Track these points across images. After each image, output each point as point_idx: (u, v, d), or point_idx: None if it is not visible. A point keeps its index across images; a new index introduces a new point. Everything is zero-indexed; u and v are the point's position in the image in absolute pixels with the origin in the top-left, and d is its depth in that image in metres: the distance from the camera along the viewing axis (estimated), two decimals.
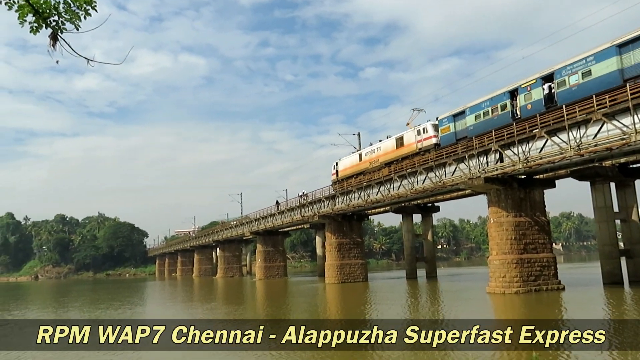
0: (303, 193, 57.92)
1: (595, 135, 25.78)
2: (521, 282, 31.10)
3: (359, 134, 58.61)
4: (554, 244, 49.96)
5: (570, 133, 26.58)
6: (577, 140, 26.33)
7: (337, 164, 54.03)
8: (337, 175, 53.25)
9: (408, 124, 44.61)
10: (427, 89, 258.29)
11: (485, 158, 32.59)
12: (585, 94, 26.38)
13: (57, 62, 6.33)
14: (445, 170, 35.82)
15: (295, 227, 73.90)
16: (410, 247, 55.66)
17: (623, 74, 25.10)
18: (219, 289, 59.70)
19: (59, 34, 6.21)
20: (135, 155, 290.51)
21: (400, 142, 43.05)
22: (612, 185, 35.41)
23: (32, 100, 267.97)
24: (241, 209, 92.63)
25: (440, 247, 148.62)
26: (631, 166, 35.22)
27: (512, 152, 30.26)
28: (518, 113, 30.93)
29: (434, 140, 38.90)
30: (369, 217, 64.83)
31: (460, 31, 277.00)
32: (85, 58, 6.47)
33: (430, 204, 54.19)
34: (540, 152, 28.78)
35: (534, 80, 29.65)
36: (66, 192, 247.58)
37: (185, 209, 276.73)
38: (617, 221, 36.18)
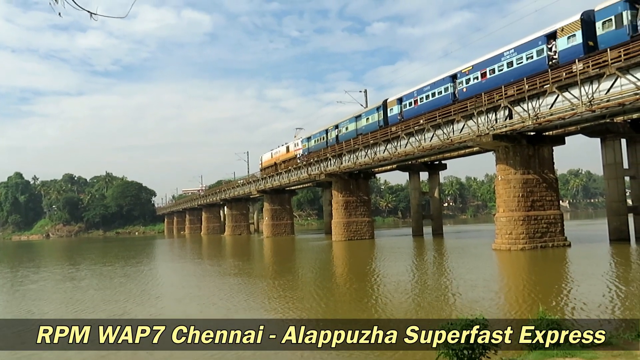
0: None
1: (608, 91, 25.21)
2: (527, 239, 31.25)
3: (365, 91, 58.66)
4: (561, 201, 50.40)
5: (582, 88, 25.99)
6: (589, 96, 25.75)
7: (262, 157, 78.77)
8: (262, 165, 77.59)
9: (295, 135, 70.01)
10: (437, 44, 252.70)
11: (494, 115, 32.10)
12: (348, 137, 49.97)
13: (59, 14, 6.17)
14: (453, 128, 35.39)
15: (302, 186, 74.32)
16: (417, 205, 55.92)
17: (357, 131, 49.16)
18: (228, 246, 60.63)
19: None
20: (141, 114, 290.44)
21: (287, 149, 68.00)
22: (623, 141, 34.91)
23: (35, 59, 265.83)
24: (248, 168, 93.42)
25: (446, 204, 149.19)
26: None
27: (522, 108, 29.74)
28: (331, 141, 54.75)
29: (301, 151, 62.74)
30: (376, 175, 64.91)
31: None
32: (88, 11, 6.44)
33: (437, 162, 53.95)
34: (550, 108, 28.26)
35: (332, 126, 54.94)
36: (74, 152, 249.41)
37: (192, 167, 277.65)
38: (627, 178, 35.91)
